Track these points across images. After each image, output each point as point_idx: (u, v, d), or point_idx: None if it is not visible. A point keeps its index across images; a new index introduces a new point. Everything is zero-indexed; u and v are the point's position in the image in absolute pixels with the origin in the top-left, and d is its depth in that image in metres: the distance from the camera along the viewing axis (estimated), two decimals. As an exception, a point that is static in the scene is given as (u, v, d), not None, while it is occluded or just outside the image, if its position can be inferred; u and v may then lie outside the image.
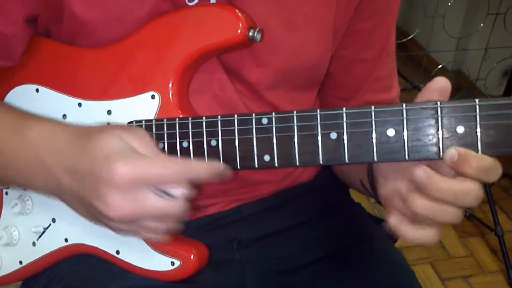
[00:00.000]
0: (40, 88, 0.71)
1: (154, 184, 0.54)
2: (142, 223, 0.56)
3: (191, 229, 0.74)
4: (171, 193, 0.55)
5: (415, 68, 2.78)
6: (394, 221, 0.54)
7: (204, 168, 0.55)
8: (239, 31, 0.61)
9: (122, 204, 0.52)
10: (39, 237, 0.73)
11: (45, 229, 0.72)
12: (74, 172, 0.56)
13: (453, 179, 0.50)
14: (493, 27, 2.40)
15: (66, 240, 0.71)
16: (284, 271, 0.79)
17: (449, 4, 2.30)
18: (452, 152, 0.49)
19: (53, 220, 0.72)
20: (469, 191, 0.50)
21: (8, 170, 0.63)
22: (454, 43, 2.62)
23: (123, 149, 0.54)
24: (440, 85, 0.52)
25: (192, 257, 0.66)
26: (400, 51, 2.89)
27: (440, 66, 2.50)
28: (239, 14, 0.62)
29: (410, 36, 2.47)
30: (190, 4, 0.65)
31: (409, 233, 0.53)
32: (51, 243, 0.72)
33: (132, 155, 0.54)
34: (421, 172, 0.50)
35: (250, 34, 0.62)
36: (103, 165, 0.52)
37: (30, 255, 0.74)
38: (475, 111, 0.49)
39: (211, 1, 0.65)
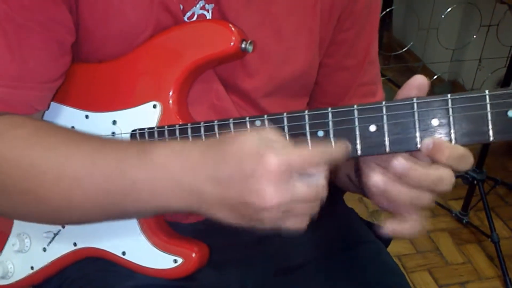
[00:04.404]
0: (51, 103, 0.75)
1: (300, 170, 0.56)
2: (292, 208, 0.57)
3: (194, 230, 0.78)
4: (314, 177, 0.56)
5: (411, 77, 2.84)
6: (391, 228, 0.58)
7: (339, 149, 0.58)
8: (232, 43, 0.67)
9: (277, 193, 0.54)
10: (49, 242, 0.77)
11: (55, 234, 0.76)
12: (216, 179, 0.57)
13: (430, 166, 0.55)
14: (486, 38, 2.47)
15: (75, 244, 0.75)
16: (282, 271, 0.82)
17: (443, 16, 2.37)
18: (428, 142, 0.54)
19: (63, 226, 0.76)
20: (444, 176, 0.54)
21: (139, 199, 0.61)
22: (449, 54, 2.68)
23: (266, 143, 0.56)
24: (418, 82, 0.57)
25: (193, 255, 0.70)
26: (397, 62, 2.98)
27: (435, 77, 2.56)
28: (232, 28, 0.67)
29: (406, 48, 2.53)
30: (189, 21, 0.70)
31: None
32: (61, 248, 0.76)
33: (277, 146, 0.55)
34: (402, 161, 0.55)
35: (243, 45, 0.67)
36: (253, 161, 0.54)
37: (41, 260, 0.78)
38: (448, 104, 0.54)
39: (207, 17, 0.71)
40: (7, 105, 0.66)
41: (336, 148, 0.58)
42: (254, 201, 0.55)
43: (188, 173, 0.58)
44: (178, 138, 0.67)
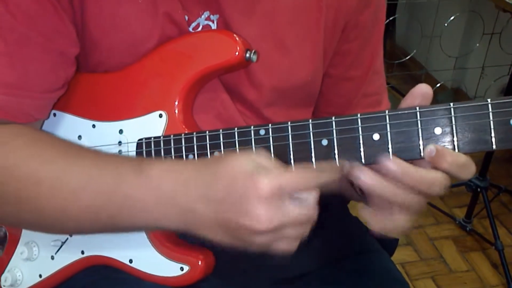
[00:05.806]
0: (57, 113, 0.77)
1: (292, 192, 0.57)
2: (284, 232, 0.58)
3: (199, 239, 0.79)
4: (305, 199, 0.58)
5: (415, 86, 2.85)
6: (365, 214, 0.60)
7: (330, 170, 0.59)
8: (237, 53, 0.68)
9: (269, 215, 0.55)
10: (57, 250, 0.78)
11: (63, 243, 0.77)
12: (209, 198, 0.58)
13: (420, 168, 0.56)
14: (489, 46, 2.48)
15: (82, 252, 0.76)
16: (286, 280, 0.83)
17: (446, 24, 2.38)
18: (431, 148, 0.55)
19: (70, 234, 0.77)
20: (433, 179, 0.55)
21: (133, 214, 0.62)
22: (452, 62, 2.69)
23: (258, 167, 0.57)
24: (422, 91, 0.58)
25: (199, 262, 0.71)
26: (400, 70, 2.99)
27: (438, 85, 2.57)
28: (237, 38, 0.68)
29: (409, 56, 2.55)
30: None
31: (376, 224, 0.59)
32: (69, 256, 0.77)
33: (269, 169, 0.57)
34: (397, 161, 0.56)
35: (247, 55, 0.68)
36: (246, 183, 0.56)
37: (49, 268, 0.78)
38: (451, 113, 0.55)
39: (212, 28, 0.72)
40: (5, 113, 0.66)
41: (328, 171, 0.59)
42: (245, 222, 0.56)
43: (181, 190, 0.59)
44: (184, 147, 0.68)
